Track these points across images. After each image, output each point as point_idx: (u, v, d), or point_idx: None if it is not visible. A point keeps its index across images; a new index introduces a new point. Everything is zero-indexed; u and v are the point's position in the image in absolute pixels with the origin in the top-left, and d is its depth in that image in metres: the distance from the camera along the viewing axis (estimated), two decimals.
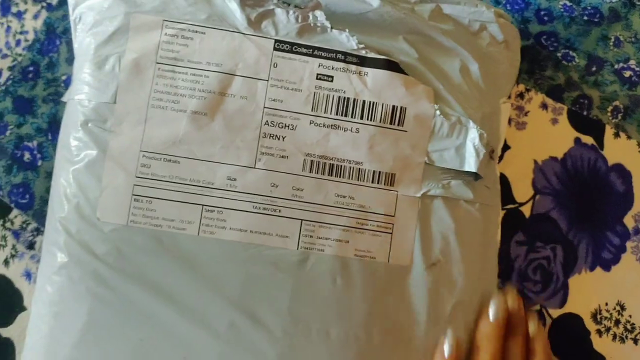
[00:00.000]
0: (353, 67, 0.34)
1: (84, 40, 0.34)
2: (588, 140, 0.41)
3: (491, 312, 0.34)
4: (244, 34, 0.34)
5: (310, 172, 0.34)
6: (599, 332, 0.39)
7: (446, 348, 0.33)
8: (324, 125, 0.34)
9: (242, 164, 0.33)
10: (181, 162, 0.33)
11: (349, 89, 0.34)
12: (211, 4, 0.34)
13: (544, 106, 0.41)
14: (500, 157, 0.40)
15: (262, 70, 0.34)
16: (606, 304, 0.39)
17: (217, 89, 0.33)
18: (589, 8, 0.42)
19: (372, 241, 0.34)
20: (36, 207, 0.41)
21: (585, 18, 0.42)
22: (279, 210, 0.33)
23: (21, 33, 0.44)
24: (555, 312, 0.39)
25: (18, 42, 0.44)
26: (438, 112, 0.34)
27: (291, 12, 0.34)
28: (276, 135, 0.34)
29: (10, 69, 0.43)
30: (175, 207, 0.33)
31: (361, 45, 0.34)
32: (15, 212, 0.41)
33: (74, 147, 0.33)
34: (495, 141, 0.36)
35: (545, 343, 0.35)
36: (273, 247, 0.33)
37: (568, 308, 0.39)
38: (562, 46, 0.42)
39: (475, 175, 0.35)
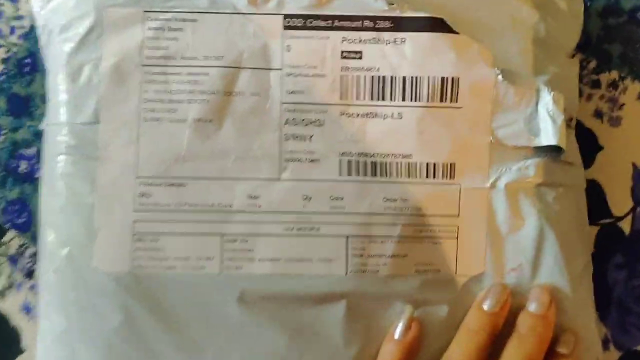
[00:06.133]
0: (386, 35, 0.32)
1: (53, 50, 0.33)
2: None
3: (486, 300, 0.31)
4: (244, 14, 0.32)
5: (349, 175, 0.32)
6: None
7: (398, 329, 0.30)
8: (358, 115, 0.32)
9: (264, 177, 0.32)
10: (188, 185, 0.31)
11: (383, 64, 0.32)
12: None
13: None
14: (593, 160, 0.38)
15: (273, 56, 0.32)
16: None
17: (221, 87, 0.32)
18: None
19: (435, 251, 0.32)
20: (34, 227, 0.39)
21: None
22: (317, 229, 0.31)
23: (16, 19, 0.42)
24: None
25: (12, 30, 0.42)
26: (500, 77, 0.31)
27: None
28: (301, 136, 0.32)
29: (4, 61, 0.41)
30: (189, 242, 0.31)
31: (393, 5, 0.31)
32: (11, 233, 0.39)
33: (57, 183, 0.32)
34: (571, 106, 0.33)
35: None
36: (315, 275, 0.31)
37: None
38: None
39: (556, 150, 0.31)
